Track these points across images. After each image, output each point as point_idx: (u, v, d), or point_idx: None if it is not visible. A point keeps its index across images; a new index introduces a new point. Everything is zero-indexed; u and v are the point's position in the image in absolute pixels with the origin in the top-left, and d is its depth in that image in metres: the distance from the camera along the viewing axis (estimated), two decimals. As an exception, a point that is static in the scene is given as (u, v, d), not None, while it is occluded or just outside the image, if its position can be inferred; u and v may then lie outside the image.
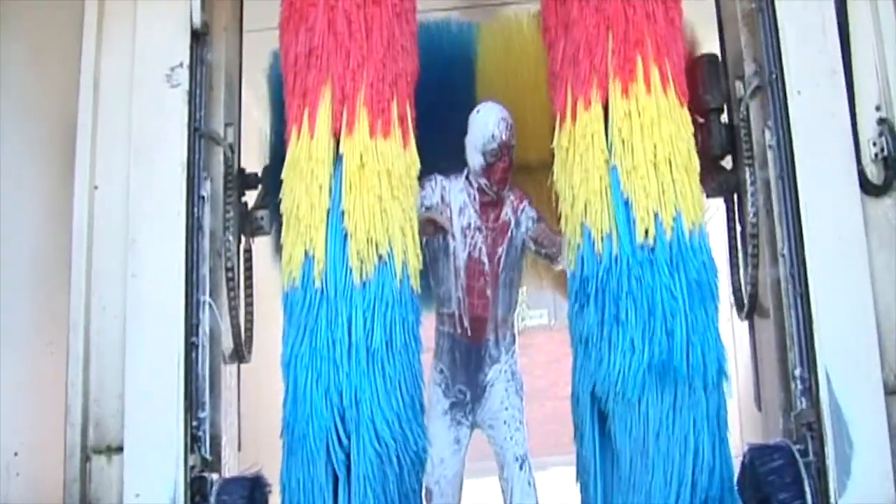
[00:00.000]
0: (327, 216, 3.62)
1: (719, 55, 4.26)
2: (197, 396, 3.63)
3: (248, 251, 4.27)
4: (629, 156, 3.55)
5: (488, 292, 4.19)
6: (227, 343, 4.06)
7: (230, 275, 4.00)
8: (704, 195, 3.64)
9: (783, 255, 3.62)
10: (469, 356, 4.22)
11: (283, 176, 3.75)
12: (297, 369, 3.55)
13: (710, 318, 3.49)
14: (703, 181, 3.66)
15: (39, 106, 4.15)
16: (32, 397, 3.94)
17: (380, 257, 3.58)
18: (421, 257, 3.79)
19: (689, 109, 3.66)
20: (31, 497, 3.82)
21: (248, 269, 4.28)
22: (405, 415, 3.53)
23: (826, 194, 3.53)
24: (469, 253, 4.17)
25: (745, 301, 4.05)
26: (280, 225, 3.81)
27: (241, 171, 4.13)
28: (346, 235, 3.58)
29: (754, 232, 3.85)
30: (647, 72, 3.61)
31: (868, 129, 3.66)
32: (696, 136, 3.63)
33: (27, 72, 4.12)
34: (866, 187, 3.60)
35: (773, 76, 3.67)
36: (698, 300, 3.46)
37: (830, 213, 3.51)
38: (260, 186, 4.39)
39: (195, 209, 3.75)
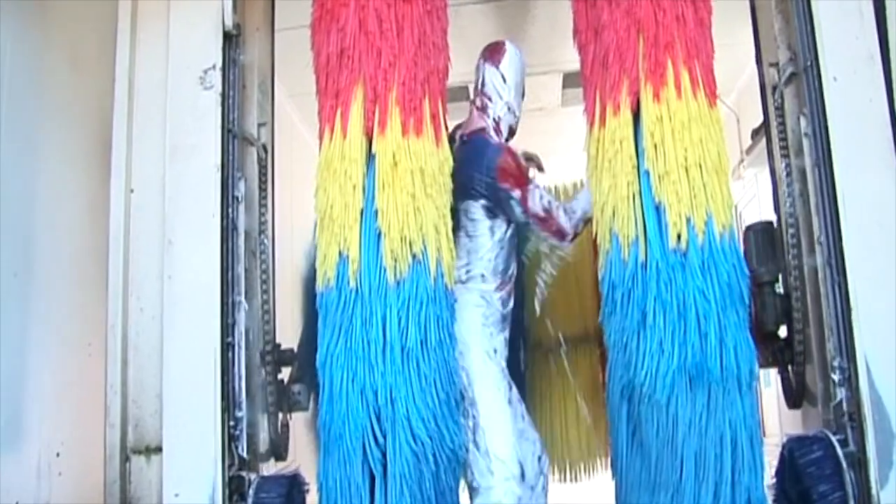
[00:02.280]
0: (361, 216, 3.62)
1: (753, 44, 4.19)
2: (234, 396, 3.63)
3: (286, 426, 4.12)
4: (661, 160, 3.53)
5: None
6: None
7: (264, 276, 4.00)
8: (758, 364, 3.55)
9: (820, 244, 3.56)
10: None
11: (315, 176, 3.75)
12: (333, 369, 3.55)
13: (741, 320, 3.46)
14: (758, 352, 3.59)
15: (78, 111, 4.19)
16: (73, 398, 3.97)
17: (413, 256, 3.57)
18: (455, 253, 3.78)
19: None
20: (72, 497, 3.85)
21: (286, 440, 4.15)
22: (441, 412, 3.52)
23: (863, 181, 3.45)
24: None
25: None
26: (317, 399, 3.79)
27: (277, 346, 4.09)
28: (379, 234, 3.58)
29: (792, 221, 3.80)
30: (678, 75, 3.59)
31: (906, 114, 3.58)
32: (749, 307, 3.57)
33: (67, 77, 4.16)
34: (904, 173, 3.53)
35: (808, 63, 3.61)
36: (730, 302, 3.44)
37: (868, 200, 3.43)
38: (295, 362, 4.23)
39: (230, 210, 3.75)
